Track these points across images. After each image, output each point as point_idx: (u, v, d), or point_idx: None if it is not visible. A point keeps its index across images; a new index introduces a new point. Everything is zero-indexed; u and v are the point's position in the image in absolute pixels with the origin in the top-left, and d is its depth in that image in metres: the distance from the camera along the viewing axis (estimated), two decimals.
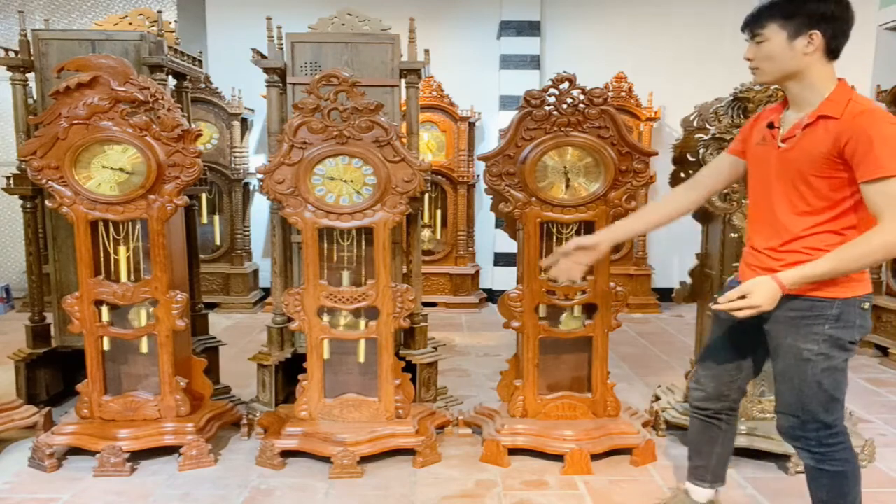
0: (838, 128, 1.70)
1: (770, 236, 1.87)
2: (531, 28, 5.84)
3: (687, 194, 2.14)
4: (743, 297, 1.77)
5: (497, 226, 5.81)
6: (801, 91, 1.81)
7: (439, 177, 5.64)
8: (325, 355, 2.77)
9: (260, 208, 5.92)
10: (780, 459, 2.68)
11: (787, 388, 1.88)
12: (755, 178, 1.94)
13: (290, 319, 2.78)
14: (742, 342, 2.05)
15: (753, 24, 1.80)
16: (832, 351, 1.80)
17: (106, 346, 2.73)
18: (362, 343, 2.81)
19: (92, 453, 2.65)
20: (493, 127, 5.98)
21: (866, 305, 1.82)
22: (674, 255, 6.02)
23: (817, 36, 1.73)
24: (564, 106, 2.64)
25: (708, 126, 2.82)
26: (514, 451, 2.75)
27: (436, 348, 3.31)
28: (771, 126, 1.87)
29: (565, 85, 2.65)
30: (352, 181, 2.65)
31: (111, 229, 2.70)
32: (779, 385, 1.92)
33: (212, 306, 5.30)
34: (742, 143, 2.03)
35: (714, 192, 2.16)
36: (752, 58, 1.83)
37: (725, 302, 1.80)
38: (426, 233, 5.71)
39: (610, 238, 2.18)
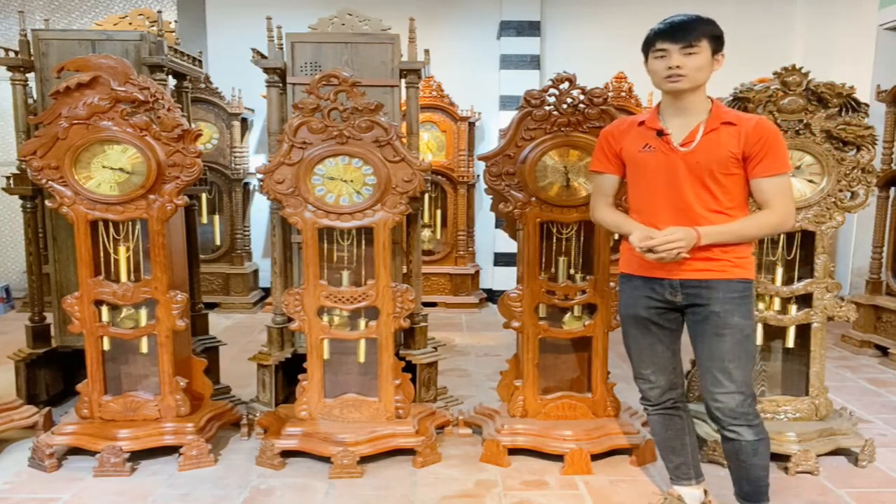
0: (742, 132, 1.97)
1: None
2: (531, 28, 5.84)
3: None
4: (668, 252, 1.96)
5: (497, 226, 5.81)
6: (696, 102, 2.03)
7: (439, 177, 5.64)
8: (325, 355, 2.78)
9: (260, 208, 5.92)
10: (779, 459, 2.68)
11: (735, 365, 2.04)
12: (654, 180, 2.08)
13: (290, 319, 2.78)
14: (660, 335, 2.20)
15: (690, 37, 1.95)
16: (754, 324, 2.09)
17: (106, 346, 2.73)
18: (362, 343, 2.82)
19: (92, 453, 2.65)
20: (493, 127, 5.98)
21: None
22: None
23: (722, 58, 2.01)
24: (564, 106, 2.65)
25: None
26: (514, 451, 2.75)
27: (436, 348, 3.31)
28: (661, 133, 2.05)
29: (565, 85, 2.65)
30: (352, 181, 2.65)
31: (111, 229, 2.70)
32: (726, 364, 2.04)
33: (212, 306, 5.30)
34: (615, 159, 2.20)
35: None
36: (681, 66, 1.96)
37: (654, 246, 1.98)
38: (426, 233, 5.71)
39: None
